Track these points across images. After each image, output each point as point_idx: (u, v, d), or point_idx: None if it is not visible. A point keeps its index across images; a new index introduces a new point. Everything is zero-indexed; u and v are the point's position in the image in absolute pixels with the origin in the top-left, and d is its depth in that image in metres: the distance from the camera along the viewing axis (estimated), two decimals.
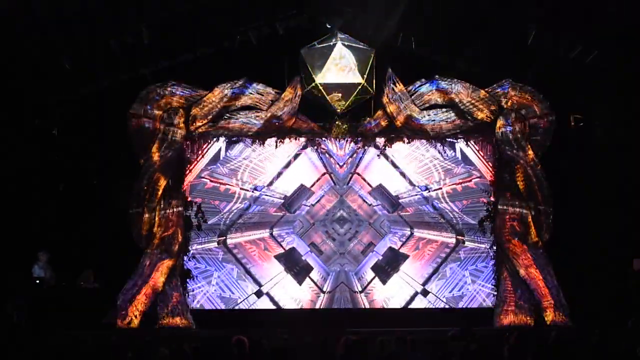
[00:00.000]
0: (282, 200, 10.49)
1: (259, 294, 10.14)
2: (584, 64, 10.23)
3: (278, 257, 10.38)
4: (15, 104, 10.33)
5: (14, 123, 10.44)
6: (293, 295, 10.34)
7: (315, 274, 10.34)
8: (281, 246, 10.42)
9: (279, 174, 10.55)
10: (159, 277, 10.14)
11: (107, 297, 9.90)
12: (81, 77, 10.62)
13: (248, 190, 10.29)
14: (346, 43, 10.17)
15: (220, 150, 10.40)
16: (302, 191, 10.51)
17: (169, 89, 10.40)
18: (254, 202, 10.39)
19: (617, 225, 10.46)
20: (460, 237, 10.43)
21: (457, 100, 10.60)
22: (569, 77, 10.76)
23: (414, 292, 10.25)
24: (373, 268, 10.43)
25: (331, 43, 10.16)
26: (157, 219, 10.30)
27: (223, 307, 10.21)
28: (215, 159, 10.32)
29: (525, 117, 10.57)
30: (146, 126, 10.33)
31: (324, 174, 10.60)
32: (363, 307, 10.40)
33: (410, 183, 10.62)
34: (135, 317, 9.89)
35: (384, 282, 10.34)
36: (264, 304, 10.22)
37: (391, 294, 10.31)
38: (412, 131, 10.83)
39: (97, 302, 9.85)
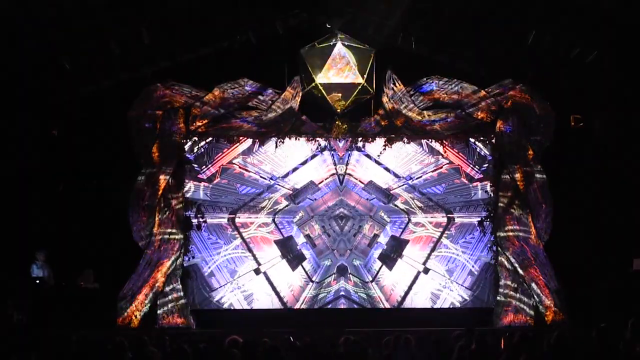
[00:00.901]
0: (291, 192, 10.97)
1: (257, 271, 10.74)
2: (584, 63, 10.23)
3: (277, 242, 10.93)
4: (15, 104, 10.32)
5: (14, 123, 10.43)
6: (286, 279, 10.84)
7: (307, 264, 10.94)
8: (281, 233, 10.97)
9: (294, 169, 11.01)
10: (159, 277, 10.15)
11: (107, 297, 9.90)
12: (81, 77, 10.62)
13: (265, 179, 10.88)
14: (346, 43, 10.17)
15: (255, 142, 10.86)
16: (309, 186, 11.05)
17: (169, 88, 10.40)
18: (266, 190, 10.91)
19: (617, 225, 10.45)
20: (450, 215, 10.93)
21: (457, 100, 10.60)
22: (569, 77, 10.76)
23: (417, 272, 10.81)
24: (379, 257, 10.97)
25: (331, 43, 10.17)
26: (157, 219, 10.30)
27: (229, 276, 10.72)
28: (250, 149, 10.88)
29: (525, 117, 10.57)
30: (146, 126, 10.34)
31: (332, 174, 11.12)
32: (368, 299, 10.92)
33: (396, 176, 11.05)
34: (135, 317, 9.89)
35: (390, 268, 10.89)
36: (261, 281, 10.77)
37: (397, 278, 10.88)
38: (412, 131, 10.83)
39: (97, 302, 9.85)
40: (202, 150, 10.71)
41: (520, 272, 10.35)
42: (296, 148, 10.96)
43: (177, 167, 10.55)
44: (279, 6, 10.70)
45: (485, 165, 10.88)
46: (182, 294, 10.34)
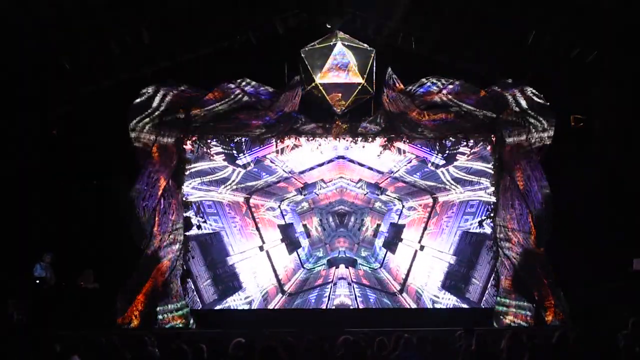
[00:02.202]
0: (302, 185, 11.61)
1: (261, 248, 11.50)
2: (584, 63, 10.23)
3: (279, 227, 11.73)
4: (15, 104, 10.33)
5: (14, 123, 10.44)
6: (283, 260, 11.59)
7: (301, 251, 11.76)
8: (283, 218, 11.74)
9: (311, 168, 11.56)
10: (159, 277, 10.15)
11: (107, 297, 9.90)
12: (81, 77, 10.63)
13: (285, 172, 11.45)
14: (346, 43, 10.17)
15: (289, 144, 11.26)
16: (318, 183, 11.72)
17: (169, 89, 10.40)
18: (283, 180, 11.53)
19: (617, 225, 10.45)
20: (434, 196, 11.54)
21: (457, 100, 10.60)
22: (569, 77, 10.76)
23: (415, 251, 11.52)
24: (384, 245, 11.75)
25: (331, 43, 10.16)
26: (157, 219, 10.30)
27: (240, 248, 11.33)
28: (284, 150, 11.29)
29: (525, 117, 10.56)
30: (146, 126, 10.33)
31: (341, 176, 11.75)
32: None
33: (379, 172, 11.56)
34: (135, 317, 9.89)
35: (393, 252, 11.69)
36: (263, 257, 11.46)
37: (400, 260, 11.60)
38: (411, 131, 10.84)
39: (97, 302, 9.86)
40: (243, 141, 11.09)
41: (521, 272, 10.36)
42: (319, 154, 11.29)
43: (177, 167, 10.55)
44: (279, 6, 10.70)
45: (447, 152, 11.15)
46: (182, 294, 10.34)
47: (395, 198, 11.68)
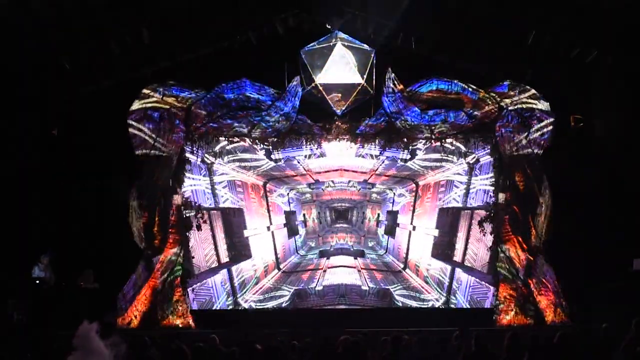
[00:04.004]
0: (313, 182, 12.22)
1: (268, 228, 12.20)
2: (584, 63, 10.23)
3: (285, 212, 12.55)
4: (15, 104, 10.33)
5: (14, 123, 10.44)
6: (283, 242, 12.39)
7: (298, 238, 12.62)
8: (289, 205, 12.55)
9: (327, 171, 12.08)
10: (159, 277, 10.15)
11: (107, 297, 9.90)
12: (81, 77, 10.63)
13: (304, 170, 11.95)
14: (346, 43, 10.17)
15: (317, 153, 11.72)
16: (328, 182, 12.34)
17: (168, 89, 10.40)
18: (300, 175, 12.13)
19: (617, 225, 10.45)
20: (415, 181, 12.20)
21: (456, 100, 10.59)
22: (569, 77, 10.76)
23: (409, 232, 12.19)
24: (385, 232, 12.56)
25: (331, 43, 10.17)
26: (156, 219, 10.30)
27: (255, 225, 11.92)
28: (310, 155, 11.66)
29: (525, 117, 10.56)
30: (146, 126, 10.33)
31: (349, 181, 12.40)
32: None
33: (363, 173, 12.07)
34: (135, 317, 9.89)
35: (393, 236, 12.53)
36: (268, 236, 12.19)
37: (398, 242, 12.40)
38: (411, 131, 10.84)
39: (97, 302, 9.85)
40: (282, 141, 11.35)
41: (521, 272, 10.36)
42: (341, 157, 11.65)
43: (177, 167, 10.55)
44: (279, 6, 10.70)
45: (411, 147, 11.30)
46: (182, 294, 10.34)
47: (386, 188, 12.43)
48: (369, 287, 11.58)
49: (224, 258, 11.56)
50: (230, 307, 11.17)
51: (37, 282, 9.99)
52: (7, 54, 9.58)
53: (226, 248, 11.62)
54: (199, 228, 10.82)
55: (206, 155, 11.09)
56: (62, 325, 8.68)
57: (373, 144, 11.32)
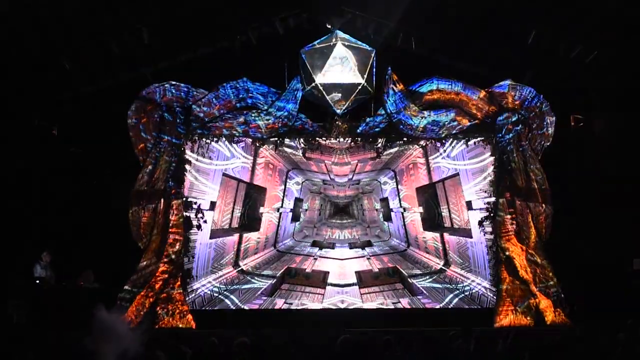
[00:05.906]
0: (330, 179, 12.68)
1: (277, 210, 12.66)
2: (584, 63, 10.23)
3: (296, 199, 13.04)
4: (15, 104, 10.32)
5: (14, 123, 10.43)
6: (286, 225, 12.87)
7: (298, 224, 13.08)
8: (300, 193, 13.06)
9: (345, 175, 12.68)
10: (159, 277, 10.15)
11: (107, 297, 9.88)
12: (81, 77, 10.62)
13: (327, 170, 12.45)
14: (346, 43, 10.16)
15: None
16: (339, 180, 12.79)
17: (168, 89, 10.40)
18: (321, 173, 12.55)
19: (617, 225, 10.46)
20: (392, 169, 12.51)
21: (457, 100, 10.60)
22: (569, 77, 10.76)
23: (401, 213, 12.74)
24: (384, 219, 13.08)
25: (331, 43, 10.16)
26: (157, 219, 10.30)
27: (270, 204, 12.35)
28: (336, 162, 12.23)
29: (525, 117, 10.57)
30: (146, 126, 10.33)
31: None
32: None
33: (344, 175, 12.45)
34: (135, 317, 9.89)
35: (391, 220, 13.07)
36: (275, 217, 12.63)
37: (396, 225, 12.92)
38: (411, 131, 10.84)
39: (97, 302, 9.83)
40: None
41: (520, 272, 10.36)
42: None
43: (177, 167, 10.55)
44: (279, 6, 10.70)
45: (376, 146, 11.60)
46: (182, 294, 10.34)
47: (371, 180, 12.91)
48: (378, 269, 12.21)
49: (235, 224, 12.14)
50: (232, 265, 11.58)
51: (38, 281, 9.98)
52: (7, 54, 9.57)
53: (239, 216, 12.22)
54: (199, 228, 10.82)
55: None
56: (62, 325, 8.71)
57: (373, 144, 11.39)
